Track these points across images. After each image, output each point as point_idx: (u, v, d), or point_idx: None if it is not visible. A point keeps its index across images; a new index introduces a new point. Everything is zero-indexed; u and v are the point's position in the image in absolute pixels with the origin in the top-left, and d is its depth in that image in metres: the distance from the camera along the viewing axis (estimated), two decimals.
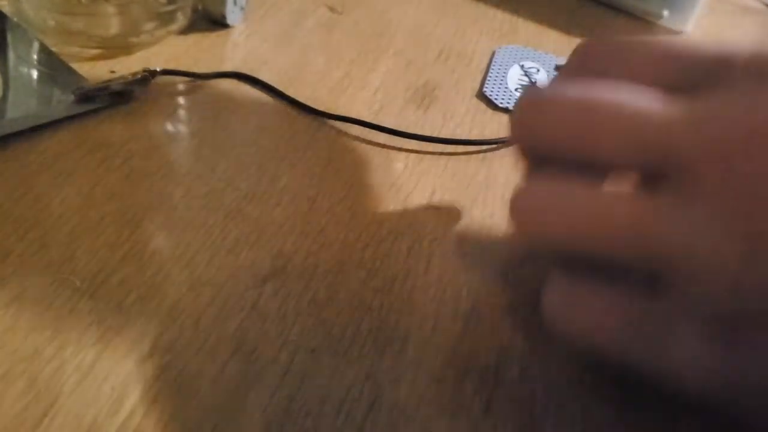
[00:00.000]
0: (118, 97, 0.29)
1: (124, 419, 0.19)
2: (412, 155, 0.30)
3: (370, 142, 0.31)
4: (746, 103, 0.17)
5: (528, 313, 0.24)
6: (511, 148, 0.32)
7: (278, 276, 0.24)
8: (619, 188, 0.19)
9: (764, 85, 0.17)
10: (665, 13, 0.44)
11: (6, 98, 0.28)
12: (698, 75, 0.19)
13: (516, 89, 0.36)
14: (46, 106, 0.28)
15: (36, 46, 0.30)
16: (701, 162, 0.17)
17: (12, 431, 0.18)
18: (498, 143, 0.32)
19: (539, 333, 0.24)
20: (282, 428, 0.20)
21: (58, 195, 0.25)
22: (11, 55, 0.30)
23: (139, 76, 0.30)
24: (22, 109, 0.28)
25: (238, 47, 0.35)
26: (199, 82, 0.32)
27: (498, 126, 0.33)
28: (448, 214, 0.28)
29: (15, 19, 0.30)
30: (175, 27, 0.34)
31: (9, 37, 0.30)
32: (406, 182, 0.29)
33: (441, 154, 0.31)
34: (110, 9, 0.32)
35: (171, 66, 0.31)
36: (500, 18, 0.42)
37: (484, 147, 0.32)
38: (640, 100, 0.18)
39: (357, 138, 0.31)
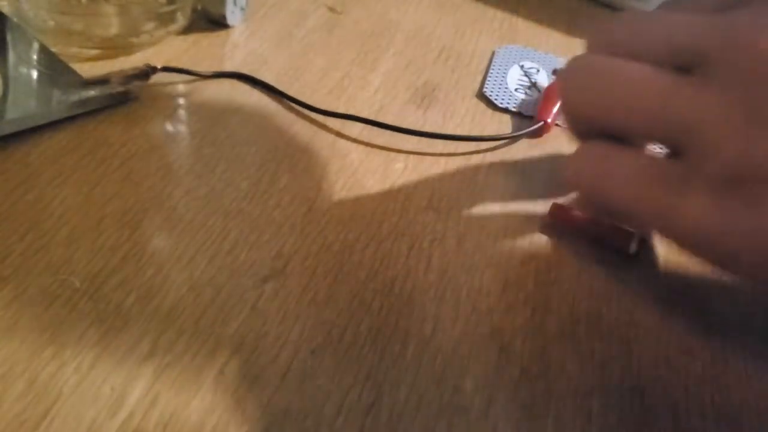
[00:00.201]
0: (118, 95, 0.29)
1: (124, 419, 0.19)
2: (412, 155, 0.30)
3: (370, 143, 0.31)
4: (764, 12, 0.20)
5: (528, 313, 0.24)
6: (510, 148, 0.32)
7: (278, 276, 0.24)
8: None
9: None
10: None
11: (6, 99, 0.28)
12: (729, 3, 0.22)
13: (516, 89, 0.36)
14: (46, 107, 0.28)
15: (36, 46, 0.30)
16: (723, 53, 0.20)
17: None
18: (499, 139, 0.32)
19: (539, 333, 0.24)
20: (282, 428, 0.20)
21: (58, 195, 0.25)
22: (11, 55, 0.30)
23: (140, 70, 0.30)
24: (21, 109, 0.28)
25: (237, 48, 0.35)
26: (199, 82, 0.32)
27: (498, 125, 0.33)
28: (448, 214, 0.28)
29: (15, 20, 0.30)
30: (174, 27, 0.34)
31: (9, 38, 0.30)
32: (406, 182, 0.29)
33: (441, 154, 0.31)
34: (110, 9, 0.32)
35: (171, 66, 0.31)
36: (500, 18, 0.42)
37: (484, 147, 0.32)
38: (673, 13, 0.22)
39: (357, 139, 0.31)
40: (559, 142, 0.33)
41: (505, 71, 0.37)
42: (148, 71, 0.30)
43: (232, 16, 0.35)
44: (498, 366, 0.22)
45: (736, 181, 0.20)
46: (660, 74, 0.21)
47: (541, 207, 0.29)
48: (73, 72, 0.30)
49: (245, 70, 0.33)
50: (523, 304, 0.25)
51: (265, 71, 0.33)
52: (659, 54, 0.22)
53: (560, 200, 0.29)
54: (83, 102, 0.29)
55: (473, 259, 0.26)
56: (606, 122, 0.22)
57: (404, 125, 0.31)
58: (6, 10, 0.31)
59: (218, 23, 0.35)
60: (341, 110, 0.31)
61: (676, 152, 0.22)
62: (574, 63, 0.24)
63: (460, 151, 0.31)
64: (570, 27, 0.43)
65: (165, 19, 0.33)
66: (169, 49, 0.33)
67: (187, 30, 0.35)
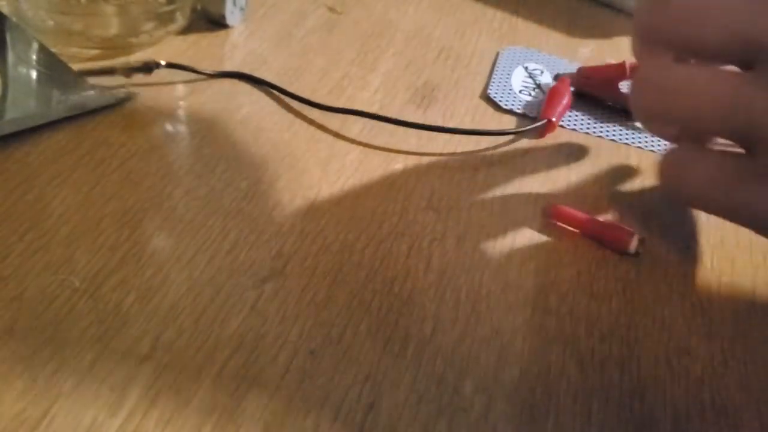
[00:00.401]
0: (118, 96, 0.29)
1: (124, 419, 0.19)
2: (412, 155, 0.30)
3: (369, 144, 0.31)
4: None
5: (528, 313, 0.24)
6: (511, 148, 0.32)
7: (278, 276, 0.24)
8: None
9: None
10: None
11: (5, 99, 0.28)
12: None
13: (520, 91, 0.36)
14: (46, 107, 0.28)
15: (35, 46, 0.30)
16: None
17: None
18: (501, 134, 0.32)
19: (539, 333, 0.24)
20: (282, 428, 0.20)
21: (58, 195, 0.25)
22: (10, 55, 0.30)
23: (143, 63, 0.30)
24: (21, 109, 0.28)
25: (237, 48, 0.35)
26: (199, 83, 0.32)
27: (498, 126, 0.33)
28: (448, 214, 0.28)
29: (14, 20, 0.30)
30: (174, 27, 0.34)
31: (8, 38, 0.30)
32: (406, 182, 0.29)
33: (440, 154, 0.31)
34: (109, 9, 0.32)
35: None
36: (500, 18, 0.42)
37: (484, 146, 0.32)
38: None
39: (356, 139, 0.31)
40: (560, 142, 0.33)
41: (509, 73, 0.37)
42: (151, 66, 0.30)
43: (232, 16, 0.35)
44: (498, 366, 0.22)
45: None
46: (724, 79, 0.22)
47: (541, 207, 0.29)
48: (73, 72, 0.30)
49: (245, 71, 0.33)
50: (523, 304, 0.25)
51: (265, 71, 0.33)
52: (718, 48, 0.22)
53: (560, 200, 0.29)
54: (83, 102, 0.29)
55: (473, 259, 0.26)
56: (682, 130, 0.26)
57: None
58: (5, 10, 0.31)
59: (218, 23, 0.35)
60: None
61: (746, 147, 0.24)
62: (641, 83, 0.25)
63: (460, 150, 0.31)
64: (570, 27, 0.43)
65: (164, 19, 0.33)
66: (168, 49, 0.33)
67: (186, 30, 0.35)
